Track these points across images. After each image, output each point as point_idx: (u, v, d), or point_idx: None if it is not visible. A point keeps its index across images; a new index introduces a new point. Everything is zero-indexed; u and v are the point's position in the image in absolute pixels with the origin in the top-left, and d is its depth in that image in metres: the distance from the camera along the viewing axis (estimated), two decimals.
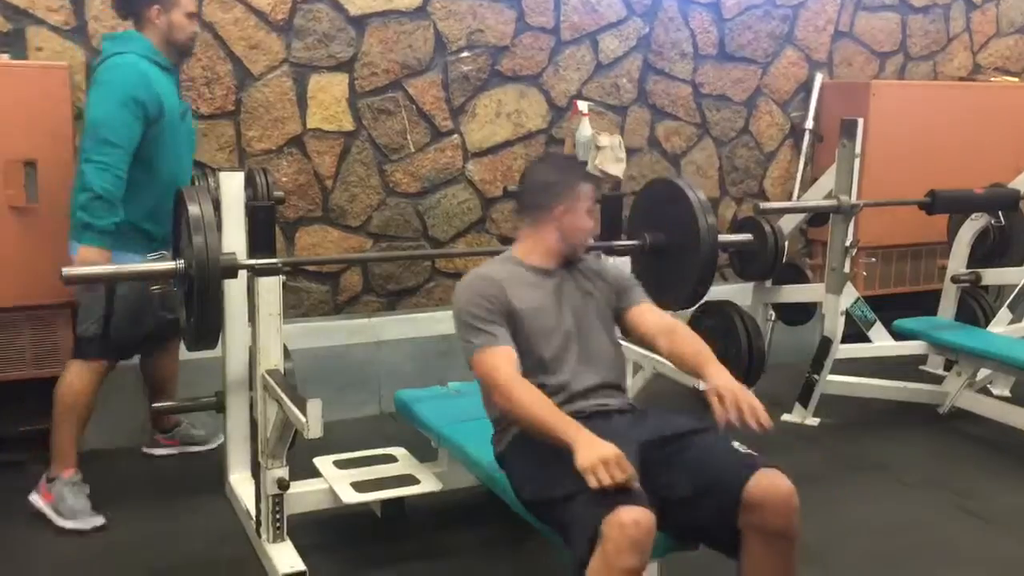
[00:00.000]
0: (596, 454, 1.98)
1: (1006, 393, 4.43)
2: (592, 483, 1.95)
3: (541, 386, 2.26)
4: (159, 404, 3.23)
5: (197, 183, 3.26)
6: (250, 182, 3.20)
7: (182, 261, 2.62)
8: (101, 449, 3.66)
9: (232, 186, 3.05)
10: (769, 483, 2.05)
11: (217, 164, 3.81)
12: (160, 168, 3.09)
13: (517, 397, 2.18)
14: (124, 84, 2.96)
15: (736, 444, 2.19)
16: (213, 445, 3.65)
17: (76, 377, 3.11)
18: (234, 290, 3.01)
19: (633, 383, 3.07)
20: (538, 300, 2.41)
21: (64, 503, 3.05)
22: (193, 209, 2.50)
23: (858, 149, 3.76)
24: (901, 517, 3.22)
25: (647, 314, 2.52)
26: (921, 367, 4.83)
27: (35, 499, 3.11)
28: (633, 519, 1.88)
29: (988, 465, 3.69)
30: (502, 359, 2.25)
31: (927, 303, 4.89)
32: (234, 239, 2.95)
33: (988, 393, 4.33)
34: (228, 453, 3.25)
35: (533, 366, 2.33)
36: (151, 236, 3.15)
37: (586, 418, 2.24)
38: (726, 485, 2.07)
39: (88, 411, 3.15)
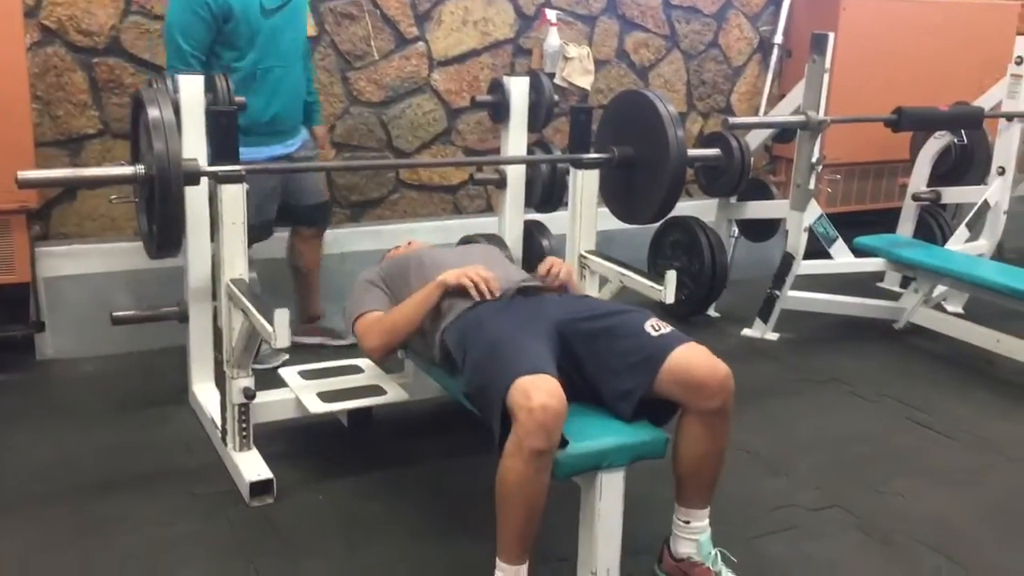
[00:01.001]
0: (456, 271, 2.47)
1: (959, 310, 4.53)
2: (460, 282, 2.44)
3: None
4: (119, 313, 3.18)
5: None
6: (210, 86, 3.10)
7: (141, 166, 2.54)
8: (61, 359, 3.62)
9: (192, 90, 2.96)
10: (709, 366, 2.18)
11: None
12: (242, 65, 3.24)
13: (389, 319, 2.59)
14: None
15: (651, 323, 2.27)
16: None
17: None
18: (195, 198, 2.95)
19: (600, 296, 3.07)
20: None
21: (335, 330, 3.82)
22: (153, 112, 2.41)
23: (828, 64, 3.73)
24: (857, 429, 3.31)
25: None
26: (878, 284, 4.91)
27: (309, 340, 3.76)
28: (541, 404, 1.96)
29: (940, 379, 3.79)
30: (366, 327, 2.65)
31: (885, 221, 4.95)
32: (193, 145, 2.88)
33: (942, 310, 4.42)
34: (191, 363, 3.23)
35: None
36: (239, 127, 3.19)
37: (510, 298, 2.48)
38: (648, 355, 2.19)
39: None
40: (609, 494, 2.14)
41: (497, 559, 2.10)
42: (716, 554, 2.28)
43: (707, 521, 2.30)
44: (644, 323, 2.28)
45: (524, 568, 2.10)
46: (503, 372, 2.07)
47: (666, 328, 2.27)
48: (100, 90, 3.65)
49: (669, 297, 2.78)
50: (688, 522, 2.29)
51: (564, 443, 2.07)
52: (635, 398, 2.20)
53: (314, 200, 3.66)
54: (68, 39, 3.55)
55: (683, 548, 2.30)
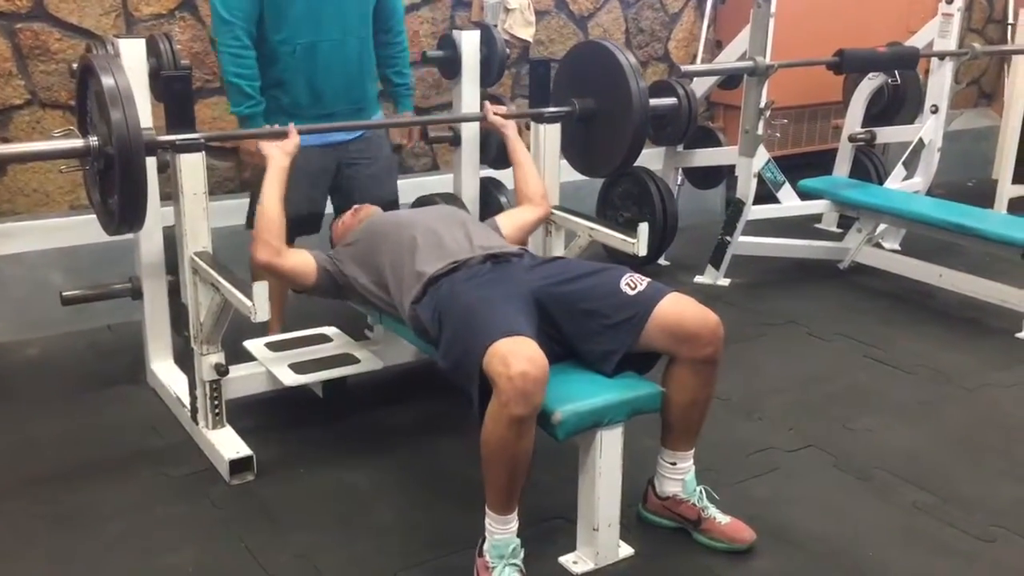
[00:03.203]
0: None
1: (896, 247, 4.66)
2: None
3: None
4: (69, 293, 3.02)
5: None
6: (152, 50, 2.95)
7: (95, 138, 2.40)
8: (1, 343, 3.45)
9: (134, 55, 2.81)
10: (700, 316, 2.23)
11: (102, 31, 3.50)
12: (274, 40, 2.98)
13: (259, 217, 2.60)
14: None
15: (627, 281, 2.25)
16: None
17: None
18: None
19: (568, 251, 3.06)
20: None
21: None
22: (107, 81, 2.28)
23: (773, 9, 3.75)
24: (817, 368, 3.39)
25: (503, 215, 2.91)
26: (816, 225, 5.02)
27: None
28: (520, 371, 1.94)
29: (889, 315, 3.90)
30: None
31: (820, 163, 5.04)
32: (140, 113, 2.73)
33: (880, 247, 4.54)
34: (147, 340, 3.11)
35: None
36: (282, 107, 3.06)
37: (480, 262, 2.41)
38: (628, 316, 2.20)
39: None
40: (609, 450, 2.15)
41: (487, 508, 2.10)
42: (701, 491, 2.34)
43: (692, 462, 2.36)
44: (619, 282, 2.26)
45: (513, 516, 2.10)
46: (478, 338, 2.04)
47: (643, 284, 2.26)
48: (25, 58, 3.43)
49: (642, 249, 2.78)
50: (675, 463, 2.34)
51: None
52: (616, 358, 2.22)
53: (370, 201, 3.08)
54: None
55: (669, 487, 2.35)
